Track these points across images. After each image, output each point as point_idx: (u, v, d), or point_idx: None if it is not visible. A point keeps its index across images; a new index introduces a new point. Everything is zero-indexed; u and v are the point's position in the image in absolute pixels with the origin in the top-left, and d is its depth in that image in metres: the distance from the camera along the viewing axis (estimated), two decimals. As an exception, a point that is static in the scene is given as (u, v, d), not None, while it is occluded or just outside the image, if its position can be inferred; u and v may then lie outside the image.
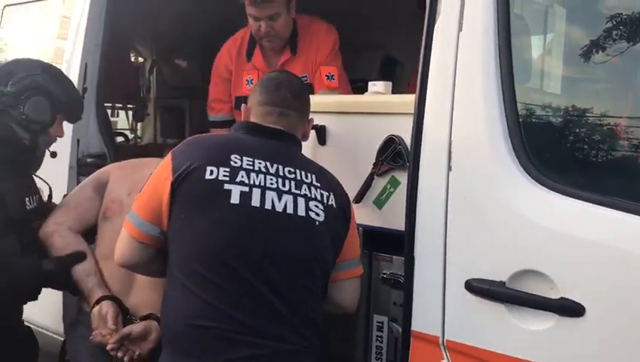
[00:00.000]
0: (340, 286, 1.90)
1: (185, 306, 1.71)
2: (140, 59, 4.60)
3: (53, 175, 2.54)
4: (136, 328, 2.09)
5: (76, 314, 2.35)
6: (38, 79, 2.26)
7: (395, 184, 2.05)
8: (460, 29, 1.72)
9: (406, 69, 4.15)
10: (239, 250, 1.69)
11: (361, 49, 4.03)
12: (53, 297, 2.54)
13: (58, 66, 2.96)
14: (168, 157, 1.82)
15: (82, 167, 2.80)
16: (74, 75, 2.87)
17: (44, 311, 2.66)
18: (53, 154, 2.42)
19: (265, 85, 1.98)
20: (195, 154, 1.78)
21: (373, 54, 4.00)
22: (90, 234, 2.34)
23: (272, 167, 1.78)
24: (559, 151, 1.75)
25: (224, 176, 1.72)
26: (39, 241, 2.28)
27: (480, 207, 1.66)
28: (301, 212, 1.74)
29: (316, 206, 1.77)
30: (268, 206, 1.72)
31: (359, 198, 2.09)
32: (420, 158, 1.81)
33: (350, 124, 2.18)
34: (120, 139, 4.26)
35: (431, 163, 1.78)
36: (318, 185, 1.82)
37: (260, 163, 1.77)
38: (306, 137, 2.04)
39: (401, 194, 2.00)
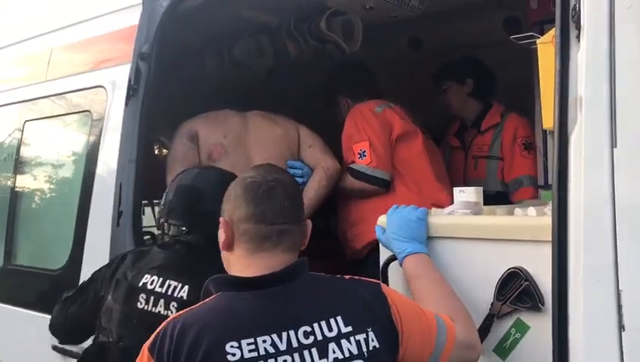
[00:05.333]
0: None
1: None
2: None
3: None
4: None
5: None
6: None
7: (522, 329, 1.65)
8: (613, 144, 1.36)
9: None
10: None
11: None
12: None
13: (88, 184, 2.68)
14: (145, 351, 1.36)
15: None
16: (107, 196, 2.57)
17: None
18: None
19: (251, 191, 1.47)
20: (184, 344, 1.32)
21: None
22: None
23: (281, 340, 1.35)
24: None
25: None
26: None
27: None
28: None
29: None
30: None
31: (475, 346, 1.69)
32: (568, 306, 1.41)
33: (452, 251, 1.79)
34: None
35: (586, 315, 1.38)
36: (350, 329, 1.39)
37: (264, 341, 1.33)
38: (304, 244, 1.55)
39: (531, 342, 1.62)
